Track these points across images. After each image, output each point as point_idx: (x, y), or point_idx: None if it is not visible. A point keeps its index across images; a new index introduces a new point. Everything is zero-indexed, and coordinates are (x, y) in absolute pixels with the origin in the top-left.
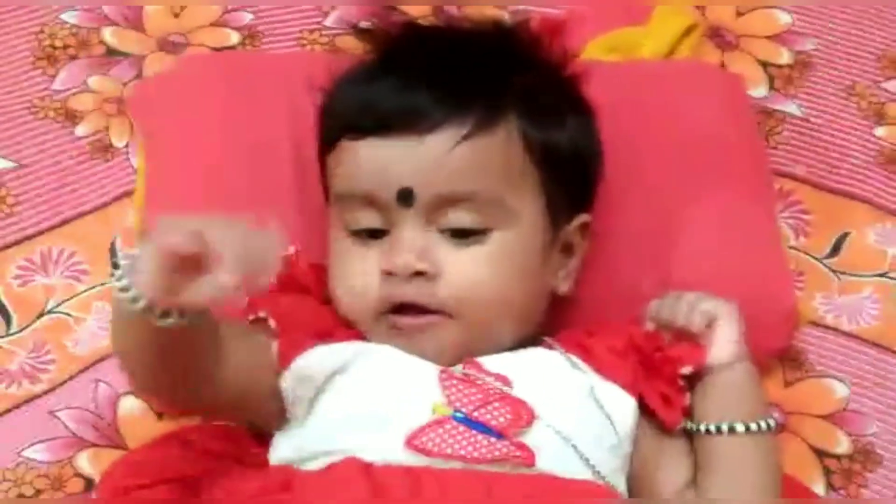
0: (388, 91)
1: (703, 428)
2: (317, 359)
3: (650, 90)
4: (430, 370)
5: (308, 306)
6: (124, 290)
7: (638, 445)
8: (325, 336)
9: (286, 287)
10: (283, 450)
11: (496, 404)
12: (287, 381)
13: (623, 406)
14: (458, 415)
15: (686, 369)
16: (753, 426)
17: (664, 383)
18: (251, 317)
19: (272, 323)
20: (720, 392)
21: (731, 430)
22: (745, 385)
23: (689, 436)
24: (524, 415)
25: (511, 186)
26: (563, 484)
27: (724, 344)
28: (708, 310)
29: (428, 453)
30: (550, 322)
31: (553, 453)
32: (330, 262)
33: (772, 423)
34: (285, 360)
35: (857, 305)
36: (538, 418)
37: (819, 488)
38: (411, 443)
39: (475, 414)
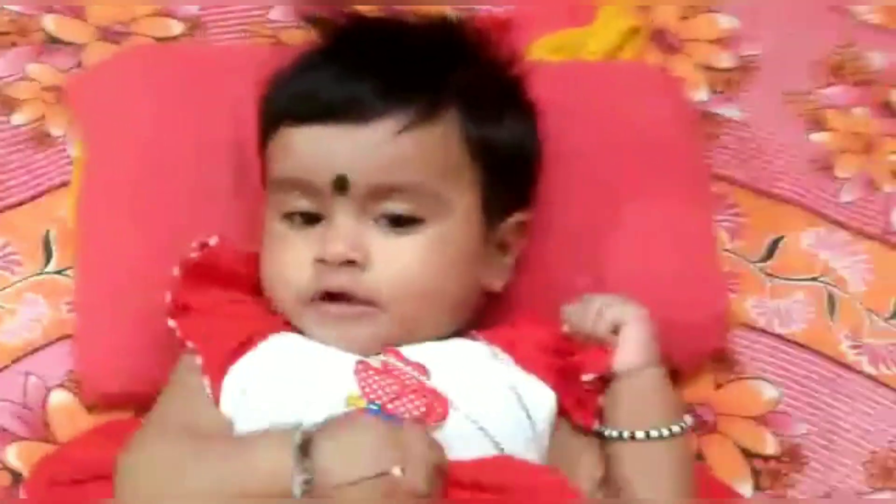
0: (330, 79)
1: (609, 433)
2: (239, 374)
3: (592, 90)
4: (347, 361)
5: (223, 311)
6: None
7: (554, 441)
8: (245, 345)
9: (211, 279)
10: None
11: (411, 396)
12: (224, 407)
13: (542, 399)
14: (373, 407)
15: (588, 376)
16: (654, 433)
17: (576, 386)
18: (172, 322)
19: (197, 360)
20: (626, 398)
21: (633, 437)
22: (652, 391)
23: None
24: (438, 407)
25: (447, 180)
26: (468, 465)
27: (629, 350)
28: (614, 316)
29: None
30: (483, 317)
31: (466, 444)
32: (263, 249)
33: (677, 428)
34: (216, 391)
35: (789, 309)
36: (454, 409)
37: (747, 489)
38: None
39: (389, 406)
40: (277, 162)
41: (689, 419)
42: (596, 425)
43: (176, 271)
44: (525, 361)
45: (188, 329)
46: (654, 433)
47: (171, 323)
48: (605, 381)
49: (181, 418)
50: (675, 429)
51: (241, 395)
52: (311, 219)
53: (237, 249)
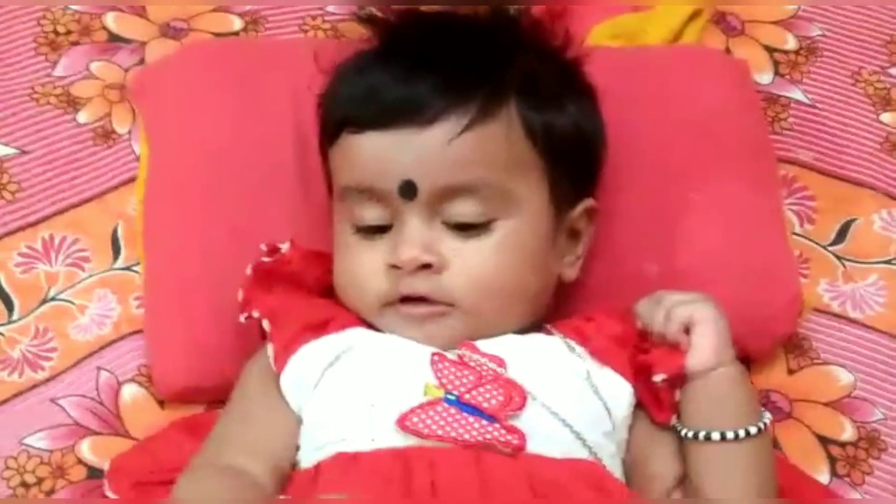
0: (388, 82)
1: (685, 433)
2: (309, 356)
3: (654, 75)
4: (423, 353)
5: (299, 300)
6: None
7: (633, 434)
8: (318, 329)
9: (282, 282)
10: (301, 454)
11: (488, 386)
12: (285, 384)
13: (619, 391)
14: (451, 397)
15: (658, 377)
16: (730, 435)
17: (651, 382)
18: (245, 315)
19: (266, 324)
20: (700, 399)
21: (708, 438)
22: (727, 392)
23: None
24: (516, 397)
25: (514, 174)
26: (553, 463)
27: (701, 351)
28: (684, 316)
29: (419, 434)
30: (555, 308)
31: (547, 435)
32: (335, 257)
33: (754, 429)
34: (280, 362)
35: (863, 293)
36: (532, 399)
37: (824, 476)
38: (402, 423)
39: (467, 396)
40: (342, 169)
41: (767, 416)
42: (673, 421)
43: (248, 270)
44: (600, 354)
45: (262, 309)
46: (729, 435)
47: (242, 318)
48: (680, 379)
49: (241, 432)
50: (752, 430)
51: (311, 377)
52: (382, 228)
53: (307, 253)
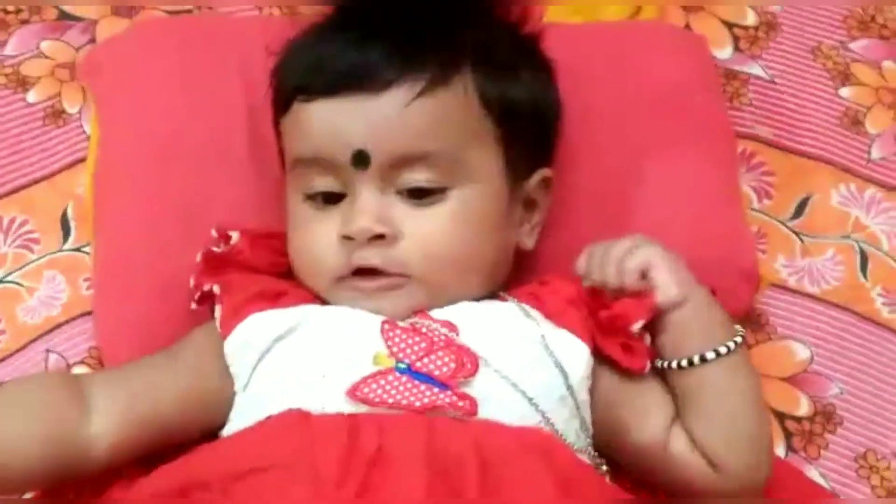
0: (339, 50)
1: (670, 364)
2: (259, 324)
3: (613, 50)
4: (373, 321)
5: (254, 277)
6: None
7: (604, 394)
8: (271, 299)
9: (229, 267)
10: (231, 423)
11: (440, 353)
12: (229, 348)
13: (575, 352)
14: (401, 365)
15: (637, 325)
16: (723, 349)
17: (620, 336)
18: (197, 294)
19: (216, 288)
20: (680, 329)
21: (691, 363)
22: (703, 314)
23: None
24: (468, 362)
25: (468, 143)
26: (503, 430)
27: (667, 288)
28: (637, 264)
29: (369, 402)
30: (513, 279)
31: (499, 400)
32: (288, 229)
33: (733, 344)
34: (226, 326)
35: (820, 267)
36: (485, 364)
37: (780, 450)
38: (352, 393)
39: (418, 364)
40: (294, 140)
41: (740, 329)
42: (648, 366)
43: (198, 257)
44: (556, 316)
45: (214, 281)
46: (722, 350)
47: (193, 304)
48: (651, 322)
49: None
50: (739, 339)
51: (258, 345)
52: (335, 197)
53: (258, 237)
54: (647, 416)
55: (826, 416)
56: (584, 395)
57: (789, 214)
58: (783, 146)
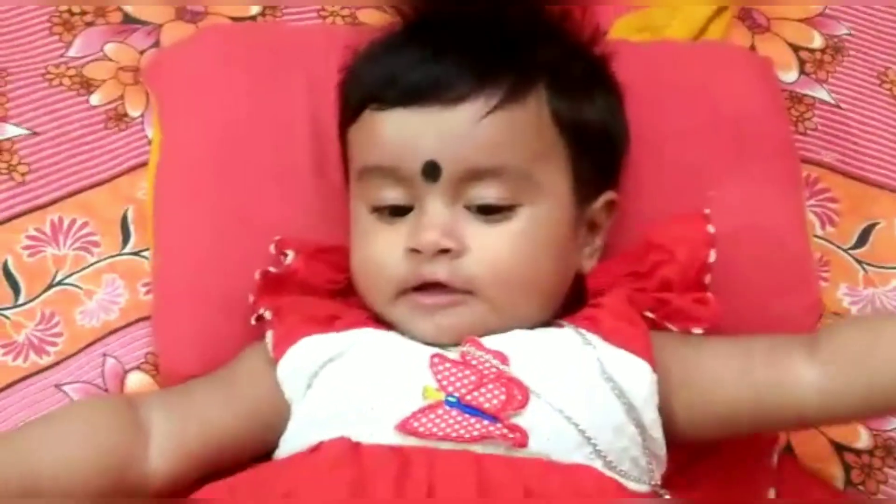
0: (414, 61)
1: None
2: (309, 348)
3: (677, 71)
4: (423, 354)
5: (308, 301)
6: None
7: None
8: (323, 324)
9: (286, 287)
10: (281, 447)
11: (490, 386)
12: (282, 372)
13: (636, 373)
14: (451, 399)
15: (698, 329)
16: None
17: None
18: (255, 316)
19: (267, 314)
20: None
21: None
22: None
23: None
24: (518, 395)
25: (539, 161)
26: (553, 470)
27: None
28: None
29: (418, 435)
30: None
31: (550, 432)
32: (352, 240)
33: None
34: (278, 350)
35: (883, 298)
36: (536, 396)
37: (839, 483)
38: (402, 427)
39: (468, 397)
40: (362, 149)
41: None
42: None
43: (257, 276)
44: (613, 336)
45: (271, 306)
46: None
47: (253, 320)
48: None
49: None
50: None
51: (308, 370)
52: (402, 210)
53: (314, 253)
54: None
55: (886, 450)
56: (651, 415)
57: (852, 242)
58: (847, 172)
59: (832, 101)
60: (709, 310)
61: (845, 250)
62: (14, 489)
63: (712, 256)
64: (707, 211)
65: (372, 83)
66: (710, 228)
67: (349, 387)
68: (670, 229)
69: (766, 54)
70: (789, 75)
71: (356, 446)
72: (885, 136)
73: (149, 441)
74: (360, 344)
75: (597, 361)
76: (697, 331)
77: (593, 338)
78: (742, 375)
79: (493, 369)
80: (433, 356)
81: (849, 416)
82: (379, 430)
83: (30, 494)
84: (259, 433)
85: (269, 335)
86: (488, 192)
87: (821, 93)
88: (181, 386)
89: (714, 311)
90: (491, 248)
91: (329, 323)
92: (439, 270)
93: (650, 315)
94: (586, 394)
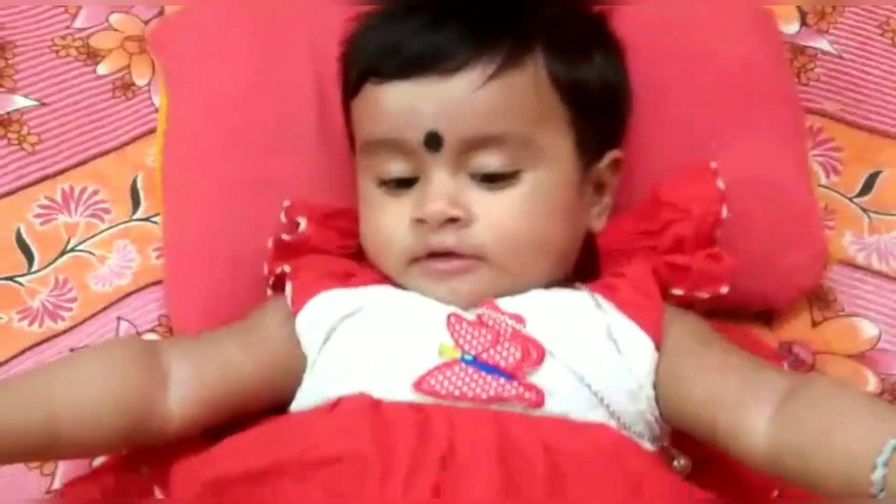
0: (411, 32)
1: None
2: (327, 302)
3: (679, 25)
4: (440, 312)
5: (325, 258)
6: None
7: (678, 384)
8: (341, 279)
9: (299, 252)
10: (298, 399)
11: (506, 344)
12: (300, 325)
13: (639, 346)
14: (467, 357)
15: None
16: None
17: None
18: (271, 280)
19: (286, 268)
20: None
21: None
22: None
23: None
24: (534, 352)
25: (540, 125)
26: (572, 429)
27: None
28: None
29: (436, 394)
30: (581, 262)
31: (566, 392)
32: (360, 211)
33: None
34: (297, 303)
35: (888, 244)
36: (551, 355)
37: None
38: (419, 385)
39: (484, 355)
40: (365, 122)
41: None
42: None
43: (269, 244)
44: (626, 306)
45: (283, 260)
46: None
47: (268, 288)
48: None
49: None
50: None
51: (327, 323)
52: (407, 181)
53: (325, 218)
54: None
55: (893, 394)
56: (650, 390)
57: (857, 191)
58: (851, 122)
59: (834, 52)
60: (724, 266)
61: (850, 199)
62: (37, 429)
63: (724, 212)
64: (714, 165)
65: (370, 57)
66: (720, 184)
67: (366, 342)
68: (680, 186)
69: (768, 7)
70: (791, 27)
71: (377, 403)
72: (888, 85)
73: (168, 384)
74: (376, 301)
75: (605, 325)
76: (724, 289)
77: (606, 304)
78: (708, 403)
79: (510, 329)
80: (450, 315)
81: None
82: (396, 387)
83: (51, 433)
84: (277, 382)
85: (288, 287)
86: (491, 160)
87: (822, 44)
88: (201, 333)
89: (729, 266)
90: (497, 215)
91: (346, 279)
92: (447, 239)
93: (678, 292)
94: (599, 357)
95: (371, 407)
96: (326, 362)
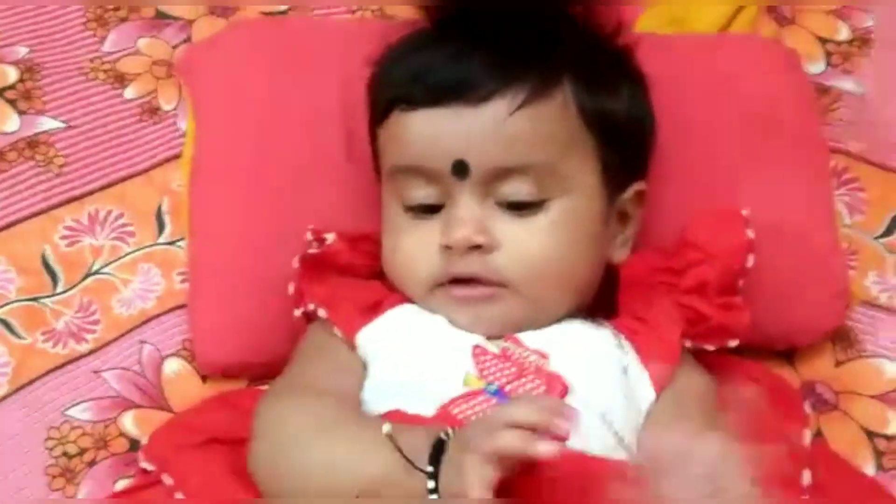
0: (440, 60)
1: None
2: (365, 341)
3: (704, 63)
4: (465, 343)
5: (349, 285)
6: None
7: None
8: (371, 311)
9: (327, 271)
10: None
11: (530, 377)
12: (361, 351)
13: (644, 395)
14: (491, 388)
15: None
16: None
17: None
18: (300, 309)
19: (322, 312)
20: None
21: None
22: None
23: None
24: (557, 387)
25: (566, 155)
26: (596, 464)
27: None
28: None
29: (459, 424)
30: (601, 295)
31: (587, 430)
32: (384, 238)
33: None
34: (350, 336)
35: None
36: (573, 393)
37: (869, 469)
38: (444, 412)
39: (508, 387)
40: (392, 149)
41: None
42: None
43: (296, 262)
44: (644, 355)
45: (316, 300)
46: None
47: (298, 312)
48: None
49: (319, 372)
50: None
51: (370, 356)
52: (433, 208)
53: (354, 239)
54: None
55: None
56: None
57: (880, 231)
58: (874, 162)
59: (859, 92)
60: (739, 319)
61: (873, 238)
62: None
63: (750, 261)
64: (745, 212)
65: (399, 84)
66: (750, 233)
67: (397, 367)
68: (709, 229)
69: (793, 47)
70: (816, 66)
71: (412, 418)
72: None
73: None
74: (406, 321)
75: (623, 366)
76: (733, 343)
77: (627, 346)
78: None
79: (533, 365)
80: (475, 347)
81: None
82: (423, 412)
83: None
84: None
85: (337, 331)
86: (517, 189)
87: (847, 84)
88: (289, 378)
89: (744, 320)
90: (522, 243)
91: (377, 308)
92: (472, 266)
93: (686, 344)
94: (618, 395)
95: (406, 419)
96: (372, 382)
